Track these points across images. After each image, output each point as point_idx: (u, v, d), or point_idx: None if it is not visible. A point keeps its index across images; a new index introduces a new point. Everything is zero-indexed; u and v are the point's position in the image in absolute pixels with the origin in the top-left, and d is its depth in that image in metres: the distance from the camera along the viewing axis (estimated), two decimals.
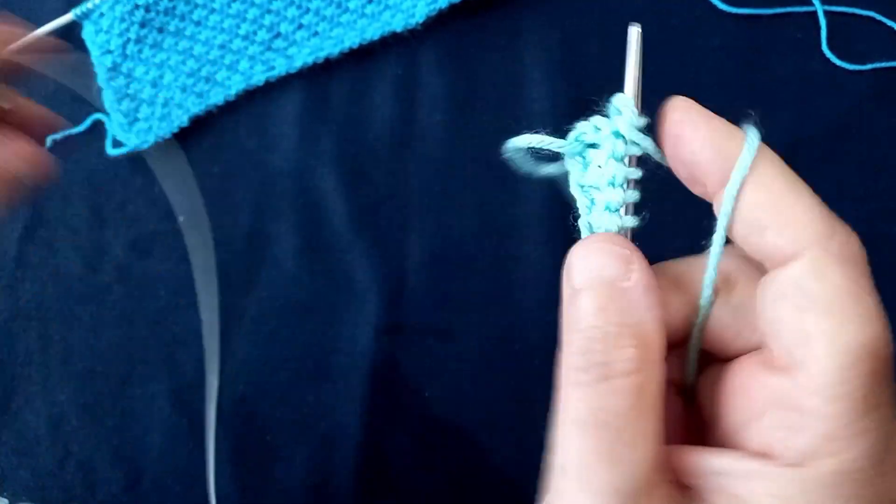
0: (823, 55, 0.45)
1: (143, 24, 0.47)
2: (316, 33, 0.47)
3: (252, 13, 0.47)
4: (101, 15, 0.47)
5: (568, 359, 0.17)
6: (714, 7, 0.45)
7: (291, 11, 0.47)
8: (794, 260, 0.17)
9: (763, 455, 0.16)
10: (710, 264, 0.19)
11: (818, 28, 0.45)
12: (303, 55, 0.46)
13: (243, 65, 0.47)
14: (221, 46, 0.47)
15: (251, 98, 0.47)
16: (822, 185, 0.44)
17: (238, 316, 0.44)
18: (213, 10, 0.47)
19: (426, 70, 0.46)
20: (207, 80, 0.47)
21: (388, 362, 0.42)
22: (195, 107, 0.46)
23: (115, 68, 0.47)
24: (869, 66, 0.44)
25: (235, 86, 0.46)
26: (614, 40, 0.47)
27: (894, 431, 0.15)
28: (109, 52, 0.47)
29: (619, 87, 0.46)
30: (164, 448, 0.42)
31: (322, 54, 0.46)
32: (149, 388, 0.43)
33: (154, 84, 0.47)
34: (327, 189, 0.45)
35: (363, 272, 0.44)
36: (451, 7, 0.45)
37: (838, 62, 0.44)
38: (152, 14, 0.47)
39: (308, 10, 0.47)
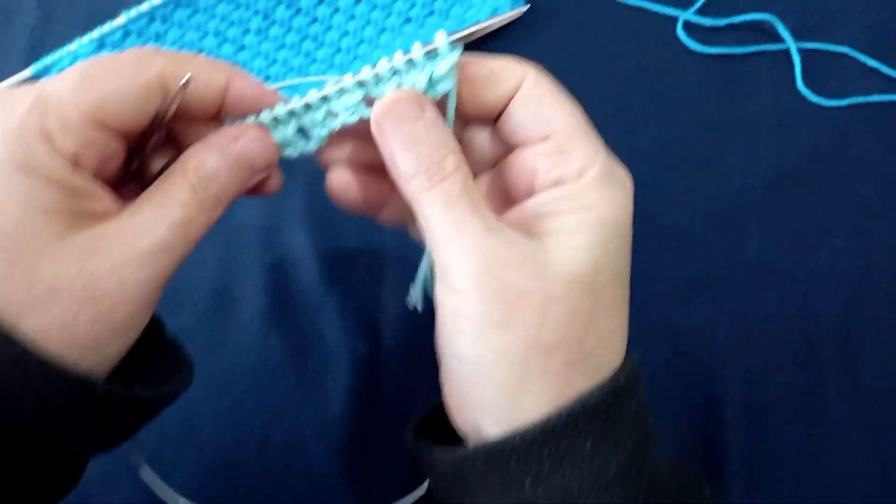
0: (799, 92, 0.44)
1: None
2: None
3: None
4: (61, 71, 0.45)
5: (411, 180, 0.25)
6: (686, 47, 0.45)
7: (258, 63, 0.45)
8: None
9: (555, 184, 0.25)
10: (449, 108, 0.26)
11: (792, 65, 0.44)
12: None
13: None
14: None
15: None
16: (810, 214, 0.43)
17: (202, 383, 0.41)
18: None
19: None
20: None
21: (363, 428, 0.39)
22: None
23: None
24: (845, 102, 0.44)
25: None
26: (589, 83, 0.47)
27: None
28: None
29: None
30: None
31: None
32: None
33: None
34: (296, 245, 0.43)
35: (335, 332, 0.41)
36: None
37: (814, 98, 0.44)
38: None
39: (275, 61, 0.46)
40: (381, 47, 0.45)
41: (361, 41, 0.45)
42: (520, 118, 0.26)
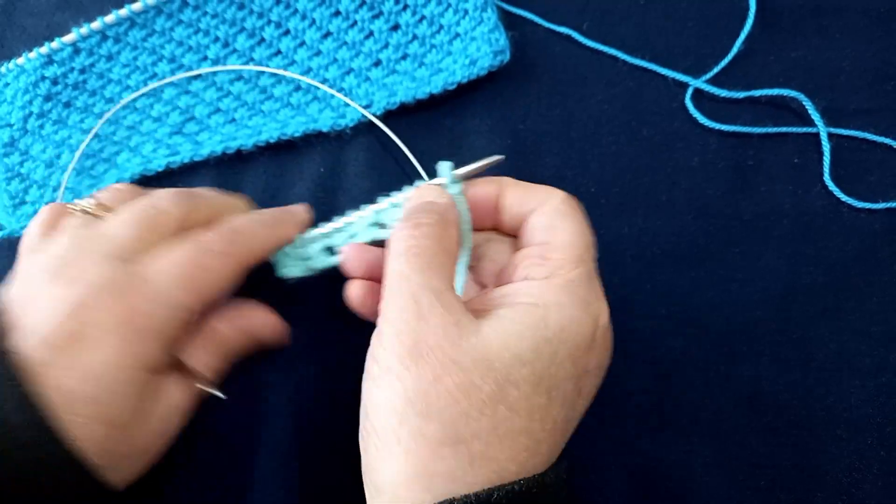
0: (826, 187, 0.37)
1: (48, 98, 0.42)
2: (233, 120, 0.41)
3: (169, 93, 0.42)
4: (7, 85, 0.43)
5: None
6: (694, 120, 0.38)
7: (210, 94, 0.41)
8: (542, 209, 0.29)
9: (525, 279, 0.27)
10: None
11: (820, 154, 0.37)
12: (212, 143, 0.40)
13: (147, 148, 0.41)
14: (130, 127, 0.42)
15: (158, 183, 0.41)
16: (827, 343, 0.35)
17: None
18: (126, 88, 0.42)
19: (353, 172, 0.39)
20: (107, 160, 0.41)
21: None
22: (88, 191, 0.41)
23: (11, 143, 0.42)
24: (881, 206, 0.36)
25: (132, 169, 0.40)
26: (575, 150, 0.40)
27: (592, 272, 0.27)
28: (9, 125, 0.42)
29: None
30: None
31: (234, 144, 0.40)
32: None
33: (49, 164, 0.42)
34: None
35: (276, 396, 0.36)
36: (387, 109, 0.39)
37: (843, 197, 0.36)
38: (60, 87, 0.42)
39: (229, 93, 0.41)
40: (345, 91, 0.40)
41: (324, 81, 0.40)
42: (535, 224, 0.28)
